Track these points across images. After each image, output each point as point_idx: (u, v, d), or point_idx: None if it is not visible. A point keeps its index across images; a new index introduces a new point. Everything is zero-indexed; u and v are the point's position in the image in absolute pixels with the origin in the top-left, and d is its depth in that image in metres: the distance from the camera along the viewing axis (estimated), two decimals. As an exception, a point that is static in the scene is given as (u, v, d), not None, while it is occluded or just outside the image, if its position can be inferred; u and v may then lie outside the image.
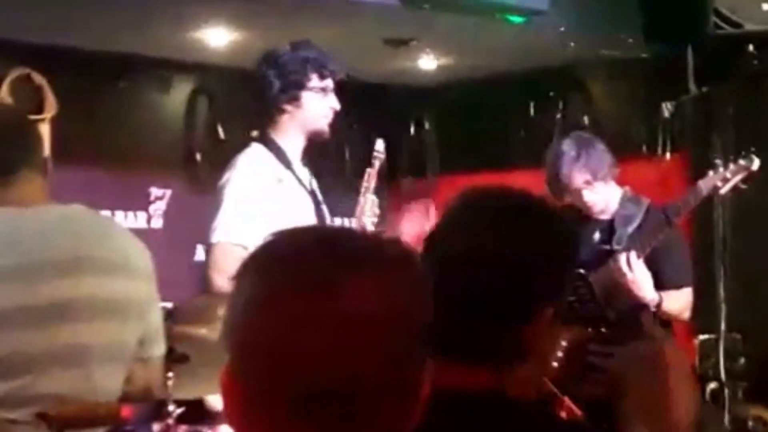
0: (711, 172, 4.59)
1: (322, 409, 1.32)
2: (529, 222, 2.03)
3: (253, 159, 4.45)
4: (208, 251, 4.27)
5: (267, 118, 4.53)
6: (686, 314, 4.91)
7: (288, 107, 4.50)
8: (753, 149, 4.59)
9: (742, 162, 4.56)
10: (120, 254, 2.91)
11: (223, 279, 4.11)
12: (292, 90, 4.51)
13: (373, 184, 4.95)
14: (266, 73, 4.50)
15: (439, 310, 1.42)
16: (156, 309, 3.00)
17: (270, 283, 1.36)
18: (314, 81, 4.53)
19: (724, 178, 4.56)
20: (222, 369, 1.38)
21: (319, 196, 4.60)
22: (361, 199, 4.86)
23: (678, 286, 4.76)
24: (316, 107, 4.53)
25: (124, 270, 2.89)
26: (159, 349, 3.03)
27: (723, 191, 4.59)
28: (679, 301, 4.77)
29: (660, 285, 4.67)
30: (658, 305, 4.65)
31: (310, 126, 4.55)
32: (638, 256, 4.59)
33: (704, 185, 4.59)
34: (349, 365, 1.32)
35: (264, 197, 4.29)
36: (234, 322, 1.38)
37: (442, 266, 1.96)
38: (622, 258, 4.54)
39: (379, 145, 5.05)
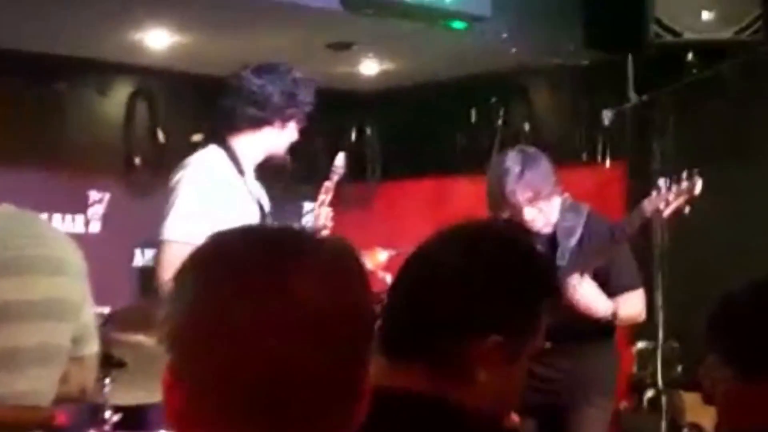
0: (654, 193, 4.57)
1: (271, 407, 1.31)
2: (499, 253, 2.03)
3: (208, 160, 4.43)
4: (158, 248, 4.24)
5: (233, 123, 4.50)
6: (642, 316, 4.92)
7: (272, 125, 4.49)
8: (695, 169, 4.59)
9: (685, 184, 4.55)
10: (52, 253, 2.87)
11: (169, 278, 4.09)
12: (289, 110, 4.51)
13: (329, 197, 4.97)
14: (264, 83, 4.47)
15: (387, 314, 1.41)
16: (89, 307, 2.97)
17: (214, 282, 1.34)
18: (303, 108, 4.56)
19: (666, 200, 4.55)
20: (164, 370, 1.36)
21: (266, 208, 4.59)
22: (317, 210, 4.88)
23: (631, 288, 4.76)
24: (292, 136, 4.56)
25: (57, 269, 2.85)
26: (92, 347, 3.00)
27: (666, 213, 4.58)
28: (633, 305, 4.78)
29: (612, 291, 4.68)
30: (614, 315, 4.66)
31: (277, 149, 4.57)
32: (582, 275, 4.58)
33: (647, 206, 4.58)
34: (297, 361, 1.31)
35: (215, 199, 4.27)
36: (177, 321, 1.36)
37: (403, 275, 2.03)
38: (569, 286, 4.51)
39: (339, 159, 5.08)
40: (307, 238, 1.41)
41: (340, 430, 1.37)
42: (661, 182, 4.55)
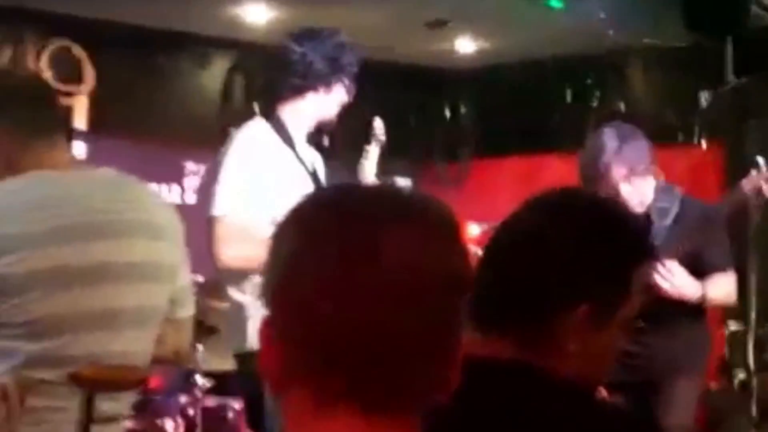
0: (753, 171, 4.52)
1: (366, 365, 1.32)
2: (587, 219, 2.01)
3: (252, 134, 4.41)
4: (210, 225, 4.22)
5: (283, 93, 4.48)
6: (733, 298, 4.87)
7: (316, 90, 4.46)
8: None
9: None
10: (150, 216, 2.92)
11: (228, 252, 4.10)
12: (333, 75, 4.48)
13: (372, 163, 4.92)
14: (305, 50, 4.46)
15: (476, 285, 1.42)
16: (185, 270, 3.02)
17: (313, 240, 1.36)
18: (348, 71, 4.52)
19: (767, 178, 4.49)
20: (262, 322, 1.38)
21: (321, 178, 4.56)
22: (360, 175, 4.83)
23: (722, 269, 4.71)
24: (340, 98, 4.52)
25: (155, 232, 2.91)
26: (188, 310, 3.05)
27: (766, 192, 4.52)
28: (724, 287, 4.72)
29: (703, 271, 4.63)
30: (703, 298, 4.62)
31: (326, 115, 4.52)
32: (676, 257, 4.54)
33: (746, 185, 4.52)
34: (394, 323, 1.32)
35: (260, 170, 4.25)
36: (276, 278, 1.37)
37: (492, 244, 2.01)
38: (660, 269, 4.48)
39: (378, 123, 5.02)
40: (408, 200, 1.41)
41: (435, 393, 1.38)
42: (761, 160, 4.50)
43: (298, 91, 4.42)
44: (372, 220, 1.35)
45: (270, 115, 4.45)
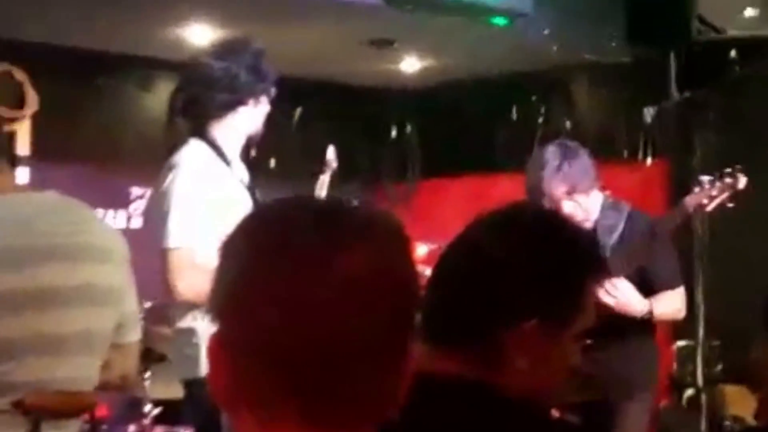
0: (696, 189, 4.54)
1: (315, 377, 1.31)
2: (534, 233, 2.01)
3: (195, 157, 4.31)
4: (163, 257, 4.13)
5: (208, 112, 4.38)
6: (681, 314, 4.90)
7: (245, 104, 4.38)
8: (738, 166, 4.56)
9: (728, 180, 4.53)
10: (96, 240, 2.89)
11: (183, 283, 4.04)
12: (259, 85, 4.40)
13: (324, 191, 4.91)
14: (228, 64, 4.36)
15: (426, 301, 1.41)
16: (132, 294, 2.99)
17: (261, 251, 1.35)
18: (270, 79, 4.45)
19: (709, 196, 4.53)
20: (210, 338, 1.36)
21: (257, 193, 4.48)
22: None
23: (670, 287, 4.74)
24: (266, 109, 4.45)
25: (100, 256, 2.87)
26: (135, 335, 3.02)
27: (709, 208, 4.56)
28: (672, 303, 4.75)
29: (651, 288, 4.65)
30: (650, 314, 4.64)
31: (254, 128, 4.45)
32: (621, 274, 4.56)
33: (690, 202, 4.56)
34: (342, 332, 1.31)
35: (208, 197, 4.18)
36: (224, 290, 1.36)
37: (441, 261, 2.01)
38: (605, 285, 4.49)
39: (330, 152, 5.00)
40: (355, 211, 1.40)
41: (384, 407, 1.37)
42: (704, 178, 4.53)
43: (229, 106, 4.33)
44: (324, 232, 1.34)
45: (201, 133, 4.37)
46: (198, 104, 4.38)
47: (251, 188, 4.40)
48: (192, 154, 4.29)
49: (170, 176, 4.19)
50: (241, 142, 4.42)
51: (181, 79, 4.57)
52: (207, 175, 4.23)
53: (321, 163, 4.96)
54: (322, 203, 1.48)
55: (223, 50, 4.40)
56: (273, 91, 4.45)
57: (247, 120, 4.39)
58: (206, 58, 4.39)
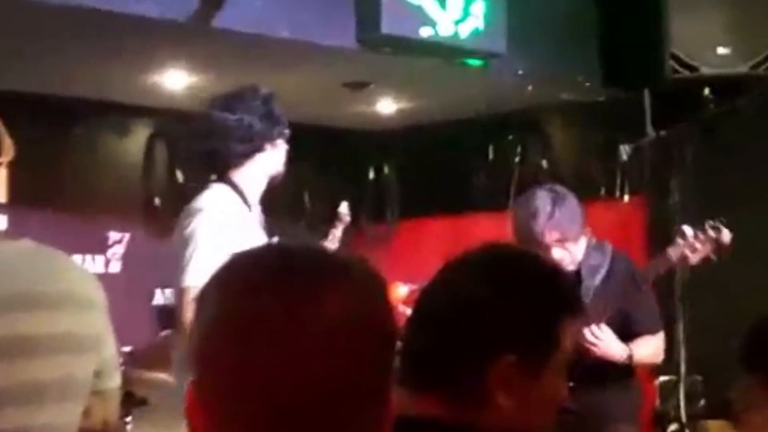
0: (680, 240, 4.56)
1: (293, 426, 1.30)
2: (510, 271, 2.02)
3: (219, 200, 4.40)
4: (180, 295, 4.17)
5: (228, 163, 4.47)
6: (660, 358, 4.91)
7: (264, 149, 4.47)
8: (722, 219, 4.56)
9: (712, 233, 4.53)
10: (72, 287, 2.87)
11: (190, 318, 4.06)
12: (273, 129, 4.49)
13: (336, 244, 4.97)
14: (240, 115, 4.44)
15: (405, 345, 1.42)
16: (110, 340, 2.97)
17: (236, 299, 1.34)
18: (283, 121, 4.54)
19: (693, 248, 4.53)
20: (188, 386, 1.35)
21: (275, 238, 4.55)
22: None
23: (650, 332, 4.74)
24: (285, 148, 4.54)
25: (77, 303, 2.86)
26: (115, 380, 3.00)
27: (693, 261, 4.57)
28: (650, 348, 4.75)
29: (632, 332, 4.66)
30: (630, 359, 4.64)
31: (275, 170, 4.54)
32: (604, 315, 4.56)
33: (673, 253, 4.57)
34: (318, 377, 1.30)
35: (232, 239, 4.23)
36: (200, 338, 1.35)
37: (419, 301, 2.02)
38: (586, 333, 4.50)
39: (344, 207, 5.07)
40: (333, 257, 1.41)
41: None
42: (687, 229, 4.54)
43: (247, 155, 4.42)
44: (299, 278, 1.34)
45: (223, 179, 4.42)
46: (217, 156, 4.45)
47: (269, 230, 4.47)
48: (215, 198, 4.36)
49: (194, 221, 4.24)
50: (263, 184, 4.51)
51: (196, 131, 4.62)
52: (229, 220, 4.29)
53: (329, 201, 5.04)
54: (298, 249, 1.46)
55: (232, 101, 4.47)
56: (287, 132, 4.53)
57: (266, 164, 4.49)
58: (213, 110, 4.46)
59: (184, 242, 4.25)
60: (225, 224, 4.26)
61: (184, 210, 4.39)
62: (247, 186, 4.46)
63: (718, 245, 4.52)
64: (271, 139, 4.47)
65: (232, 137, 4.40)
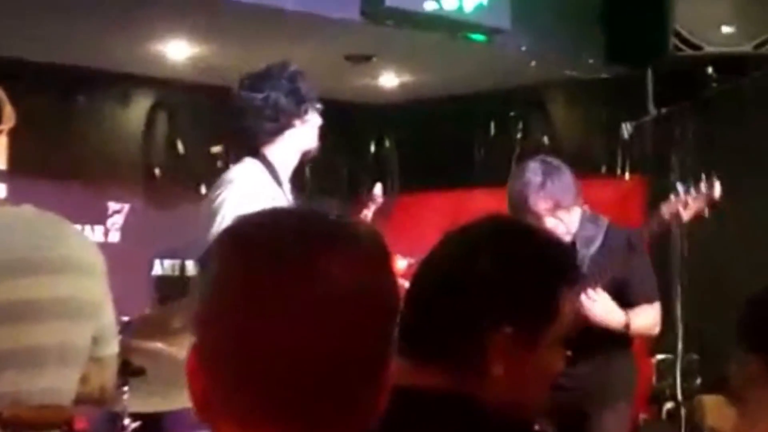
0: (672, 197, 4.58)
1: (293, 387, 1.29)
2: (508, 243, 2.03)
3: (250, 174, 4.45)
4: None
5: (261, 137, 4.51)
6: (657, 329, 4.91)
7: (293, 126, 4.51)
8: (715, 174, 4.58)
9: (703, 189, 4.55)
10: (73, 253, 2.89)
11: None
12: (302, 105, 4.53)
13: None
14: (267, 93, 4.49)
15: (404, 315, 1.42)
16: (109, 307, 2.98)
17: (239, 262, 1.33)
18: (311, 96, 4.59)
19: (685, 204, 4.55)
20: (190, 349, 1.34)
21: None
22: None
23: (647, 300, 4.76)
24: (317, 122, 4.59)
25: (77, 269, 2.87)
26: (112, 348, 3.02)
27: (686, 218, 4.58)
28: (648, 317, 4.77)
29: (629, 301, 4.67)
30: (627, 326, 4.66)
31: (308, 145, 4.59)
32: (599, 284, 4.58)
33: (666, 210, 4.58)
34: (321, 341, 1.29)
35: None
36: (202, 301, 1.34)
37: (418, 273, 2.04)
38: (584, 296, 4.52)
39: (378, 188, 5.10)
40: (339, 223, 1.39)
41: (362, 414, 1.36)
42: (680, 186, 4.56)
43: (276, 132, 4.47)
44: (307, 240, 1.33)
45: (255, 154, 4.47)
46: (248, 133, 4.53)
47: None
48: (246, 172, 4.40)
49: (223, 193, 4.29)
50: (295, 160, 4.56)
51: (230, 109, 4.65)
52: (258, 195, 4.31)
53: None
54: (306, 213, 1.46)
55: (259, 80, 4.52)
56: (319, 107, 4.57)
57: (297, 140, 4.55)
58: (241, 90, 4.52)
59: (213, 212, 4.30)
60: (254, 197, 4.29)
61: (217, 181, 4.47)
62: (279, 162, 4.52)
63: (710, 200, 4.54)
64: (298, 116, 4.53)
65: (261, 115, 4.46)
